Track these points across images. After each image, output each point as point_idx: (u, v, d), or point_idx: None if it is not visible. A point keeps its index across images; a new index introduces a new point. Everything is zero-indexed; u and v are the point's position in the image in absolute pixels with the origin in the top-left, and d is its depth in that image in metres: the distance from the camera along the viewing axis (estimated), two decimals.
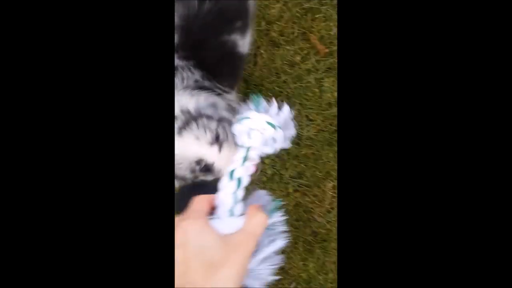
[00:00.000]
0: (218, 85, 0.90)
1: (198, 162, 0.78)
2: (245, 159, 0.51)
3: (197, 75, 0.88)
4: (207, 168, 0.77)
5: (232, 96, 0.93)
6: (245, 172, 0.50)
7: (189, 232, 0.40)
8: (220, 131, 0.77)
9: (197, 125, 0.79)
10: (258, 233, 0.41)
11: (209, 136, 0.76)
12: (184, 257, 0.39)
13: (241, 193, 0.48)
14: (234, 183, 0.49)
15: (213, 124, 0.78)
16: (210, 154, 0.75)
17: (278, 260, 0.44)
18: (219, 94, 0.88)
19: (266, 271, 0.42)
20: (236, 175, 0.50)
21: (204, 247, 0.39)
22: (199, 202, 0.45)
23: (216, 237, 0.39)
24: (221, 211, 0.45)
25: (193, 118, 0.80)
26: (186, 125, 0.79)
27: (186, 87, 0.85)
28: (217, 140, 0.76)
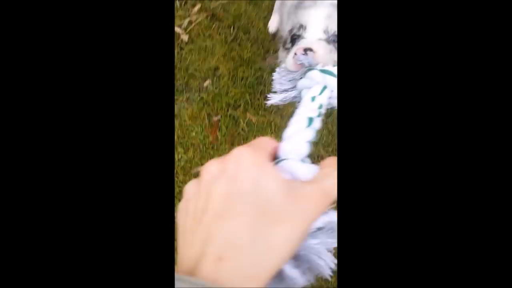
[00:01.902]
0: None
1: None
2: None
3: None
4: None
5: None
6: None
7: (243, 164, 0.28)
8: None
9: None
10: (333, 194, 0.32)
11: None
12: (226, 193, 0.27)
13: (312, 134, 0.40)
14: (311, 132, 0.41)
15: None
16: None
17: (333, 236, 0.35)
18: None
19: (323, 249, 0.34)
20: (316, 124, 0.42)
21: (263, 190, 0.27)
22: (264, 140, 0.34)
23: (279, 181, 0.28)
24: (291, 156, 0.35)
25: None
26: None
27: None
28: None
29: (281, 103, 0.51)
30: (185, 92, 1.51)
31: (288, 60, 0.63)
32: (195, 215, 0.28)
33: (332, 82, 0.47)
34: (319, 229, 0.33)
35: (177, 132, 1.44)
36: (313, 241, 0.32)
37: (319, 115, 0.43)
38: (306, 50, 0.59)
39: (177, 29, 1.57)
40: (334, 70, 0.47)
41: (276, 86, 0.52)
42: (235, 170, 0.28)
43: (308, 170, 0.33)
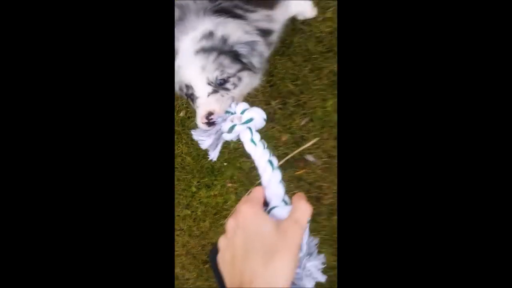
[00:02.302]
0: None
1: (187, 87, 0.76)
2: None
3: None
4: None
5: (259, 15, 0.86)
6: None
7: (248, 217, 0.43)
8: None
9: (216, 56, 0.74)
10: (304, 222, 0.43)
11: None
12: (243, 241, 0.41)
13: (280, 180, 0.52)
14: (277, 172, 0.52)
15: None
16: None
17: (322, 258, 0.46)
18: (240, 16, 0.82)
19: (316, 270, 0.45)
20: (275, 163, 0.53)
21: (261, 232, 0.41)
22: (256, 191, 0.49)
23: (272, 224, 0.42)
24: (275, 201, 0.49)
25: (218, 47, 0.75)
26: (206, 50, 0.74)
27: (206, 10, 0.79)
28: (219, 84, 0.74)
29: (219, 153, 0.62)
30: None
31: (198, 123, 0.72)
32: (229, 262, 0.41)
33: (252, 122, 0.57)
34: (303, 255, 0.44)
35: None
36: (304, 266, 0.44)
37: (271, 154, 0.54)
38: (208, 117, 0.70)
39: None
40: (245, 110, 0.58)
41: (203, 145, 0.62)
42: (243, 223, 0.42)
43: (287, 210, 0.46)
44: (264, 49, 0.80)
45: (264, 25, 0.87)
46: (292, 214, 0.44)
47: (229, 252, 0.42)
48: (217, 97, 0.73)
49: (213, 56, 0.74)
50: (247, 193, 0.49)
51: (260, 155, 0.53)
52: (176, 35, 0.78)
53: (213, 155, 0.61)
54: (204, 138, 0.61)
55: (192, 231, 1.52)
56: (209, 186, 1.45)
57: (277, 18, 0.92)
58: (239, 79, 0.78)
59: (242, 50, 0.76)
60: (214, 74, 0.74)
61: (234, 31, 0.78)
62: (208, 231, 1.49)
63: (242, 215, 0.43)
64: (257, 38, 0.81)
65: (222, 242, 0.44)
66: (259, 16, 0.86)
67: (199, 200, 1.46)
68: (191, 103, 0.80)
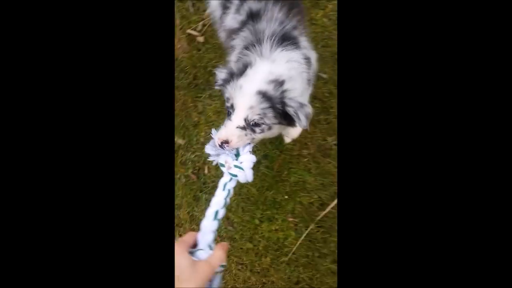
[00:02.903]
0: None
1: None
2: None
3: None
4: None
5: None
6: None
7: (176, 253, 0.56)
8: None
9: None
10: (216, 265, 0.59)
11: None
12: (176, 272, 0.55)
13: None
14: (216, 223, 0.65)
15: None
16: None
17: None
18: None
19: None
20: (220, 214, 0.66)
21: (180, 266, 0.55)
22: (189, 235, 0.64)
23: (189, 261, 0.56)
24: (202, 245, 0.63)
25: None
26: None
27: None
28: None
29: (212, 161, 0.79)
30: (207, 89, 1.63)
31: (212, 141, 0.81)
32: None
33: (240, 174, 0.70)
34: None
35: (204, 128, 1.57)
36: None
37: (224, 206, 0.67)
38: (223, 143, 0.78)
39: (193, 32, 1.73)
40: (243, 163, 0.72)
41: (207, 145, 0.79)
42: (175, 256, 0.56)
43: (207, 254, 0.61)
44: (310, 111, 0.86)
45: (307, 53, 0.95)
46: (209, 257, 0.60)
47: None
48: (240, 133, 0.83)
49: (264, 105, 0.83)
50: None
51: (217, 201, 0.66)
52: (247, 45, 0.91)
53: (211, 159, 0.78)
54: (211, 145, 0.78)
55: (253, 267, 1.51)
56: (271, 219, 1.45)
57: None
58: (269, 128, 0.88)
59: (291, 110, 0.84)
60: (254, 117, 0.84)
61: (296, 85, 0.87)
62: (269, 267, 1.46)
63: (175, 251, 0.57)
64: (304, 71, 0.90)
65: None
66: (305, 42, 0.96)
67: (261, 233, 1.47)
68: (226, 113, 0.90)
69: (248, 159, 0.72)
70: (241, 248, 1.51)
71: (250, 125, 0.84)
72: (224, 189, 0.68)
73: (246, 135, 0.84)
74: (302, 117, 0.82)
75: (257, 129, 0.85)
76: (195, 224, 1.53)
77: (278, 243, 1.44)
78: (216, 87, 0.90)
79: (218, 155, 0.76)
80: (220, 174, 0.78)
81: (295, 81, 0.87)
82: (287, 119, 0.86)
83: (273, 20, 0.92)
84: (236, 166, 0.70)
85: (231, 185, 0.69)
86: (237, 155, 0.74)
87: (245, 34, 0.97)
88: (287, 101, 0.82)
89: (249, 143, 0.79)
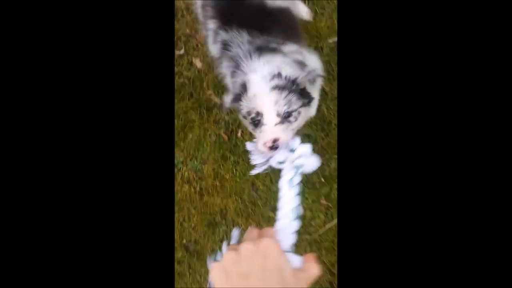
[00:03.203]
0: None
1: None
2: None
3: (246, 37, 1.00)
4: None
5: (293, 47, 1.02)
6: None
7: (271, 249, 0.46)
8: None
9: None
10: (310, 282, 0.48)
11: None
12: (259, 266, 0.44)
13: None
14: (296, 223, 0.56)
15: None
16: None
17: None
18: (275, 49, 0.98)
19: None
20: (298, 212, 0.57)
21: (285, 271, 0.45)
22: (271, 232, 0.52)
23: (291, 268, 0.46)
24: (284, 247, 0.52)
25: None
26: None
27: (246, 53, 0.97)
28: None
29: (262, 171, 0.73)
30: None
31: (259, 144, 0.82)
32: (229, 275, 0.44)
33: (300, 168, 0.63)
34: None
35: None
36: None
37: (299, 204, 0.58)
38: (274, 142, 0.81)
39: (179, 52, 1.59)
40: (302, 156, 0.65)
41: (253, 160, 0.75)
42: (265, 252, 0.45)
43: (296, 261, 0.50)
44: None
45: (298, 57, 1.00)
46: (307, 270, 0.48)
47: (236, 268, 0.45)
48: (282, 127, 0.89)
49: (285, 93, 0.89)
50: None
51: (289, 199, 0.57)
52: (244, 70, 0.97)
53: (255, 172, 0.73)
54: (256, 156, 0.74)
55: None
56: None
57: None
58: (299, 113, 0.93)
59: (307, 84, 0.92)
60: (283, 108, 0.89)
61: (291, 70, 0.93)
62: None
63: (265, 245, 0.46)
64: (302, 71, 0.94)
65: (229, 255, 0.46)
66: (290, 48, 1.01)
67: None
68: (252, 126, 0.94)
69: (306, 147, 0.67)
70: (262, 215, 1.48)
71: (284, 118, 0.89)
72: (291, 186, 0.60)
73: (286, 127, 0.89)
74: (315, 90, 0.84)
75: (291, 118, 0.90)
76: (218, 180, 1.49)
77: (304, 220, 1.41)
78: (225, 111, 0.96)
79: (267, 160, 0.72)
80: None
81: (290, 68, 0.93)
82: (304, 96, 0.93)
83: (241, 44, 1.00)
84: (299, 157, 0.65)
85: (297, 180, 0.62)
86: (292, 150, 0.69)
87: (226, 63, 1.05)
88: (298, 83, 0.90)
89: (295, 138, 0.75)
